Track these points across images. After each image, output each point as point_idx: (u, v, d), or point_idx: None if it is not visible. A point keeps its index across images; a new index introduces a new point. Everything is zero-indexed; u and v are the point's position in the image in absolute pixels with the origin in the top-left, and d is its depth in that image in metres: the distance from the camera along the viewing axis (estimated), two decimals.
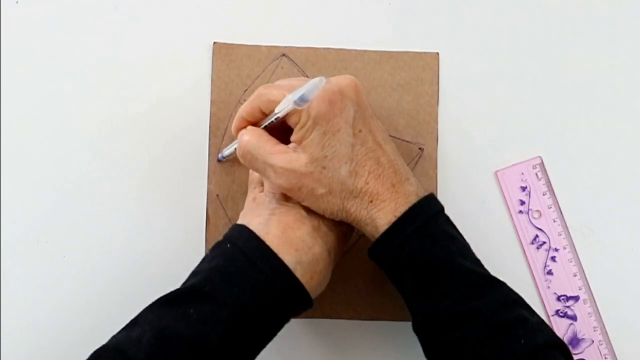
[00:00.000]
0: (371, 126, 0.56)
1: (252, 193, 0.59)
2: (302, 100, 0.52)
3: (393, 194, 0.55)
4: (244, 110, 0.57)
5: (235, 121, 0.59)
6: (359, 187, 0.55)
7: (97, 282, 0.64)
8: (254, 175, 0.61)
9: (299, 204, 0.56)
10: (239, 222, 0.57)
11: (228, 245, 0.54)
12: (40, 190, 0.64)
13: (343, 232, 0.58)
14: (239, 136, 0.57)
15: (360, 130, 0.55)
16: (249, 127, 0.57)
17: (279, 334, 0.64)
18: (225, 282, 0.52)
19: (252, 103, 0.57)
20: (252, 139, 0.56)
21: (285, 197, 0.57)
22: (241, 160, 0.57)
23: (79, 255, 0.64)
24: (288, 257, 0.53)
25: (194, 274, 0.55)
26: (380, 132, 0.56)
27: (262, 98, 0.56)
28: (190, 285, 0.53)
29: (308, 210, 0.56)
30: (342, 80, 0.55)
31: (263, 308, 0.53)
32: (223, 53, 0.66)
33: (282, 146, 0.55)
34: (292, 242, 0.54)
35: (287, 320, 0.55)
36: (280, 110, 0.54)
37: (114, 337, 0.53)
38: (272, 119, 0.55)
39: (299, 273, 0.53)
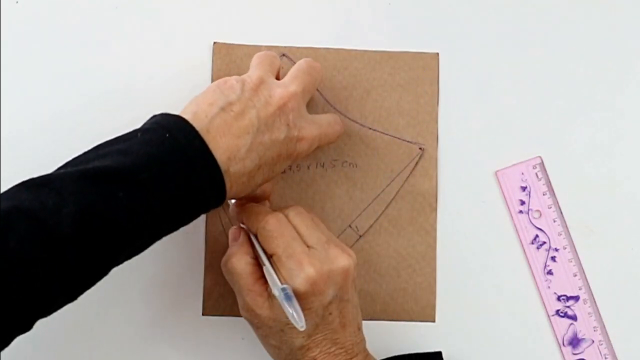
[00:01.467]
0: (342, 309, 0.56)
1: (233, 78, 0.57)
2: (286, 297, 0.53)
3: None
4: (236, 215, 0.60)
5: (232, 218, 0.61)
6: None
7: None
8: (260, 64, 0.60)
9: (262, 108, 0.55)
10: (189, 105, 0.56)
11: (167, 135, 0.52)
12: None
13: (288, 152, 0.57)
14: (230, 249, 0.59)
15: (330, 313, 0.56)
16: (240, 251, 0.57)
17: None
18: (164, 176, 0.51)
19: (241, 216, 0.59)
20: (238, 267, 0.57)
21: (253, 94, 0.56)
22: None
23: None
24: (219, 162, 0.53)
25: (120, 151, 0.51)
26: (349, 313, 0.57)
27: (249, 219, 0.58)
28: (122, 166, 0.50)
29: (260, 120, 0.55)
30: (337, 262, 0.56)
31: (189, 207, 0.53)
32: (223, 53, 0.66)
33: (260, 287, 0.56)
34: (228, 148, 0.53)
35: (196, 217, 0.55)
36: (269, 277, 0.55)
37: (13, 194, 0.49)
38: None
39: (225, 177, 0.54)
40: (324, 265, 0.55)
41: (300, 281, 0.54)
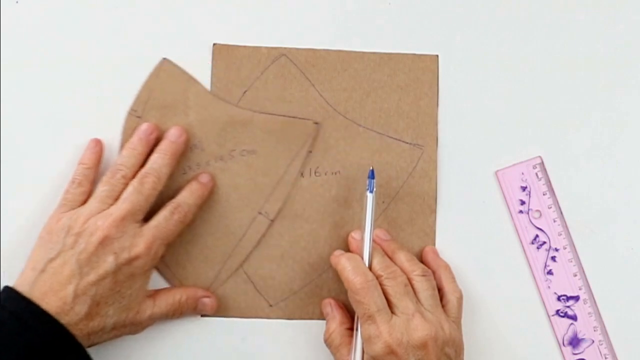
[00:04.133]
0: None
1: (61, 223, 0.59)
2: None
3: None
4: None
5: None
6: None
7: None
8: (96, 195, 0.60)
9: (83, 251, 0.57)
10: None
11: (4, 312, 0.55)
12: (40, 190, 0.64)
13: (129, 275, 0.58)
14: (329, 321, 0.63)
15: None
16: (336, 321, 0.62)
17: (280, 334, 0.64)
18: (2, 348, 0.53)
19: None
20: (335, 340, 0.61)
21: (75, 239, 0.58)
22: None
23: None
24: (55, 317, 0.55)
25: None
26: None
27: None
28: None
29: (81, 263, 0.57)
30: (417, 333, 0.57)
31: None
32: (223, 54, 0.66)
33: None
34: (54, 304, 0.55)
35: None
36: None
37: None
38: None
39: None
40: (403, 337, 0.57)
41: (377, 348, 0.57)
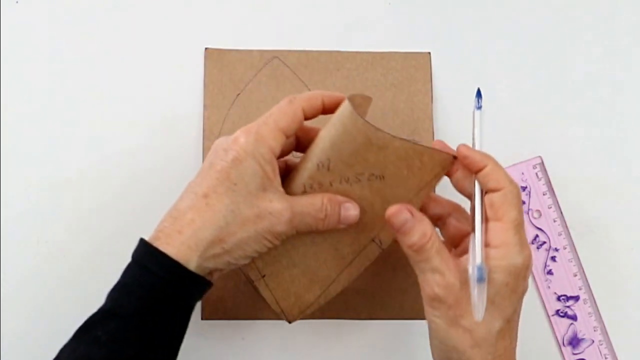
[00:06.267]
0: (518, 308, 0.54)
1: (225, 150, 0.53)
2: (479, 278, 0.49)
3: None
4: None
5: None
6: (499, 349, 0.52)
7: (97, 282, 0.64)
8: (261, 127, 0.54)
9: (238, 199, 0.52)
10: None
11: (130, 262, 0.54)
12: (40, 190, 0.64)
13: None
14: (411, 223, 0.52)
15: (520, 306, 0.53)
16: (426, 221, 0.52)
17: (282, 335, 0.64)
18: (123, 295, 0.52)
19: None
20: (435, 238, 0.52)
21: (233, 175, 0.52)
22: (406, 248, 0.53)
23: (79, 255, 0.64)
24: (181, 254, 0.52)
25: (105, 301, 0.54)
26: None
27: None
28: (98, 311, 0.53)
29: (230, 212, 0.52)
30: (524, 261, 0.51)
31: (165, 308, 0.53)
32: (215, 58, 0.66)
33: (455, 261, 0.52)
34: (185, 241, 0.52)
35: (192, 309, 0.54)
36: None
37: None
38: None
39: (193, 265, 0.52)
40: (522, 264, 0.51)
41: (523, 259, 0.50)
